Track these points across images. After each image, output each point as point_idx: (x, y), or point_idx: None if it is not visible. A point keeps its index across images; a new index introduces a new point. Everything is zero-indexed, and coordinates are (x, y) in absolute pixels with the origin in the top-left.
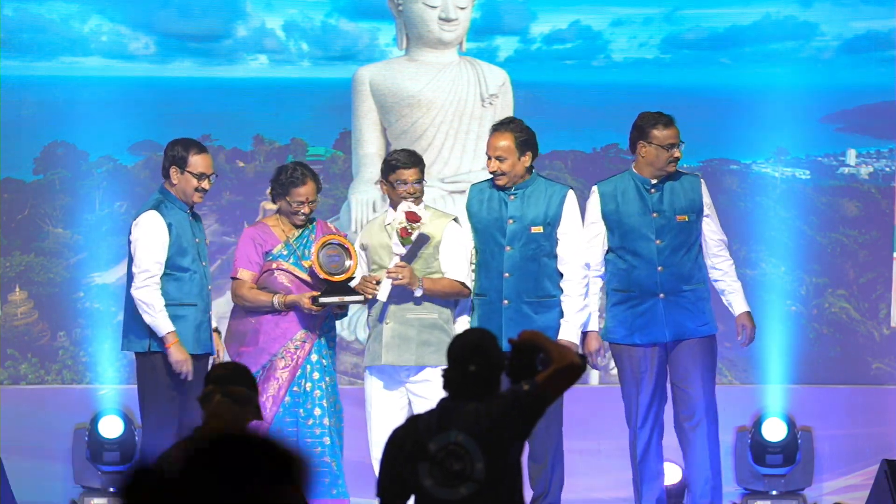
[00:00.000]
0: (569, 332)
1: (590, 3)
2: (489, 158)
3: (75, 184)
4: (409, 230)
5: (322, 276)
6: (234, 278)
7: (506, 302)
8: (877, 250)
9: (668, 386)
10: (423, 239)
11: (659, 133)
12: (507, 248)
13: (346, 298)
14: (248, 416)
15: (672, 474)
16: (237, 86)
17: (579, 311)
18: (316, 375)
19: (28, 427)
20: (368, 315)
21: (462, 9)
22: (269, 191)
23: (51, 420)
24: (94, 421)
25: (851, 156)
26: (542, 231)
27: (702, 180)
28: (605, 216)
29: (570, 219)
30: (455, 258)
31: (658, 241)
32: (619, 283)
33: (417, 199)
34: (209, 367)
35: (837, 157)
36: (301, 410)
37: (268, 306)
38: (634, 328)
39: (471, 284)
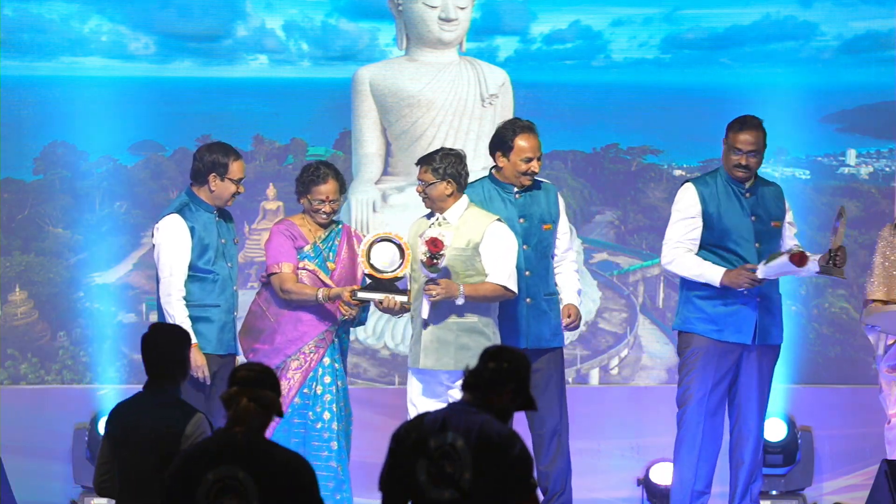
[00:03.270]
0: (576, 300)
1: (590, 3)
2: (531, 160)
3: (75, 184)
4: (435, 259)
5: (367, 270)
6: (271, 274)
7: (528, 300)
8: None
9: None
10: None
11: (732, 135)
12: (525, 246)
13: (389, 297)
14: (271, 418)
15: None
16: (237, 86)
17: (579, 282)
18: (328, 379)
19: (28, 427)
20: (411, 317)
21: (462, 9)
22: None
23: (51, 420)
24: (94, 421)
25: (851, 156)
26: (550, 229)
27: (780, 188)
28: (703, 214)
29: (565, 217)
30: (496, 260)
31: (757, 245)
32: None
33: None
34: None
35: (837, 157)
36: (310, 413)
37: (312, 300)
38: (724, 325)
39: (514, 286)
